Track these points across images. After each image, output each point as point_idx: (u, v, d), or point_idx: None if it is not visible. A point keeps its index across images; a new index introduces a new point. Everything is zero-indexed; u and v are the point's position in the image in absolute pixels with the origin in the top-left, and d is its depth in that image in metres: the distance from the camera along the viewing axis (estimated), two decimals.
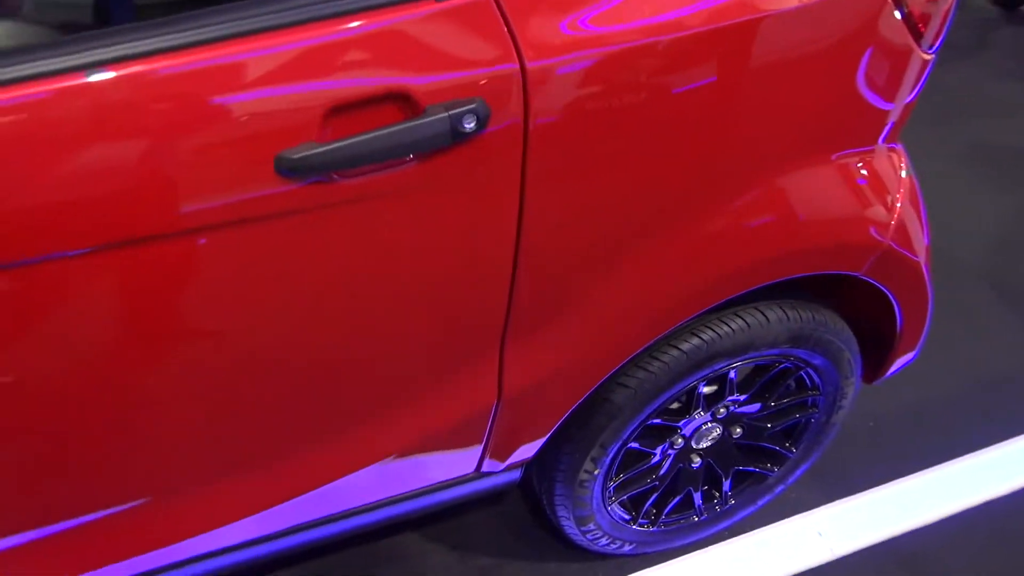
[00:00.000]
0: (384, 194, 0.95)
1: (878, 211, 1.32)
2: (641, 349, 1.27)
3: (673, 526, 1.66)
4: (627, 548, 1.66)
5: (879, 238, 1.32)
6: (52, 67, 0.79)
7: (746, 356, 1.40)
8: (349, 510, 1.33)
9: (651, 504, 1.61)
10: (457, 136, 0.92)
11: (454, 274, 1.06)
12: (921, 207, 1.44)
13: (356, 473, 1.23)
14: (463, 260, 1.05)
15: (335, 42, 0.87)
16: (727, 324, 1.35)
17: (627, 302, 1.20)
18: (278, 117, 0.86)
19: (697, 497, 1.65)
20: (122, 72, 0.80)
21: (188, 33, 0.82)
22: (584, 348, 1.23)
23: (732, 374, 1.46)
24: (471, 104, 0.91)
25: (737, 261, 1.23)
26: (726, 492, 1.67)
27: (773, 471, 1.68)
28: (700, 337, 1.34)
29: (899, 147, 1.42)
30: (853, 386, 1.59)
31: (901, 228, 1.35)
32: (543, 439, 1.35)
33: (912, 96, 1.30)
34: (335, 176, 0.91)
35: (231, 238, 0.90)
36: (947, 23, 1.30)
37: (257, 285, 0.96)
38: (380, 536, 1.69)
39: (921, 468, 1.91)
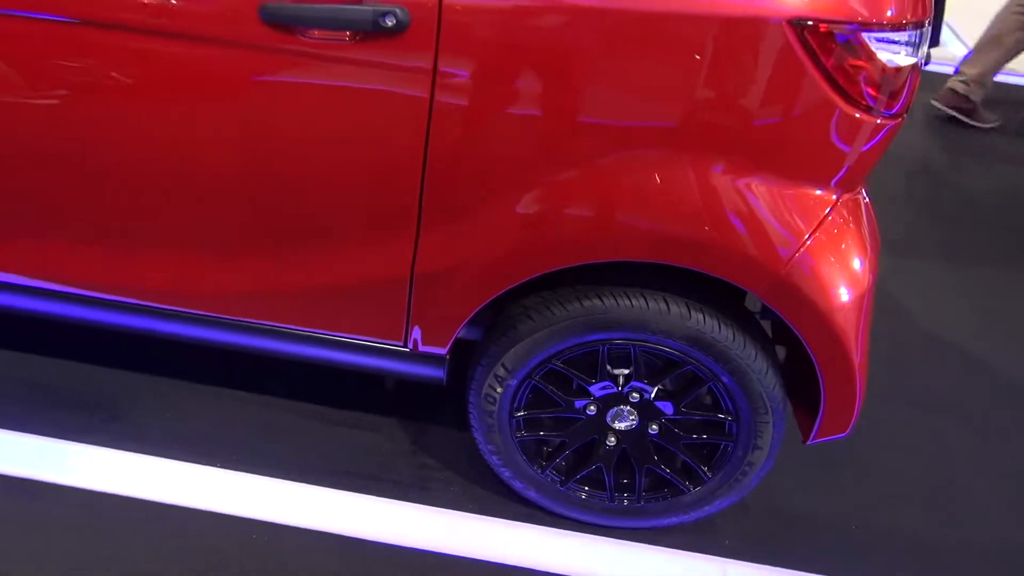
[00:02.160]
0: (327, 58, 1.37)
1: (783, 240, 1.45)
2: (535, 276, 1.53)
3: (579, 495, 1.83)
4: (531, 493, 1.85)
5: (768, 259, 1.44)
6: None
7: (642, 335, 1.58)
8: (285, 329, 1.73)
9: (561, 459, 1.80)
10: (378, 27, 1.31)
11: (375, 143, 1.44)
12: (869, 264, 1.52)
13: (292, 290, 1.63)
14: (384, 132, 1.43)
15: None
16: (629, 298, 1.56)
17: (521, 220, 1.48)
18: None
19: (608, 478, 1.81)
20: None
21: None
22: (484, 251, 1.52)
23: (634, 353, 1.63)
24: (394, 9, 1.30)
25: (615, 221, 1.45)
26: (639, 486, 1.80)
27: (688, 488, 1.78)
28: (601, 300, 1.56)
29: (858, 194, 1.53)
30: (770, 427, 1.66)
31: (805, 267, 1.46)
32: (455, 329, 1.64)
33: (868, 150, 1.43)
34: (296, 30, 1.34)
35: (221, 52, 1.38)
36: (904, 93, 1.42)
37: (223, 93, 1.43)
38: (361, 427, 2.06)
39: None
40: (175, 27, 1.39)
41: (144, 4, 1.38)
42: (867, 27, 1.34)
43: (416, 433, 2.04)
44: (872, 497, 2.04)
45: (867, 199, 1.65)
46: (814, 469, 2.09)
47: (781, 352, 1.76)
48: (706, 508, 1.82)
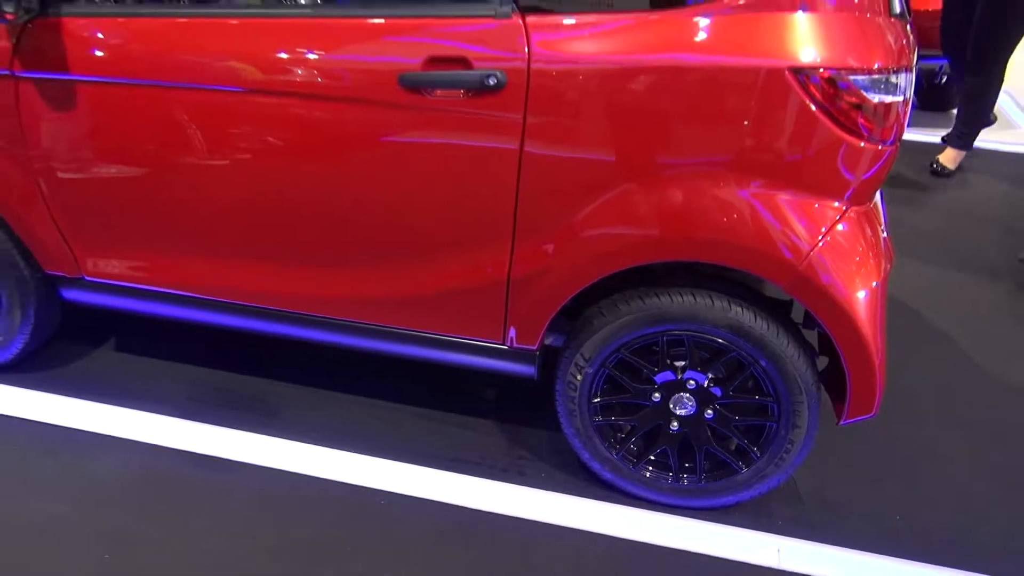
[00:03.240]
0: (447, 109, 1.86)
1: (800, 242, 1.82)
2: (607, 275, 1.94)
3: (648, 474, 2.17)
4: (608, 475, 2.20)
5: (790, 257, 1.82)
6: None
7: (693, 326, 1.96)
8: (408, 332, 2.17)
9: (632, 442, 2.16)
10: (484, 86, 1.80)
11: (477, 174, 1.91)
12: (876, 263, 1.88)
13: (413, 297, 2.09)
14: (483, 166, 1.90)
15: (432, 24, 1.83)
16: (681, 295, 1.95)
17: (587, 232, 1.91)
18: (406, 55, 1.84)
19: (673, 459, 2.15)
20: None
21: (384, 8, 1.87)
22: (565, 258, 1.95)
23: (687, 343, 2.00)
24: (496, 72, 1.80)
25: (656, 230, 1.86)
26: (699, 467, 2.14)
27: (741, 467, 2.11)
28: (658, 297, 1.96)
29: (868, 208, 1.89)
30: (805, 408, 1.98)
31: (822, 263, 1.82)
32: (543, 326, 2.06)
33: (870, 172, 1.81)
34: (425, 91, 1.85)
35: (367, 109, 1.90)
36: (897, 124, 1.80)
37: (365, 139, 1.94)
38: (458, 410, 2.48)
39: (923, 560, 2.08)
40: (334, 92, 1.92)
41: (312, 75, 1.92)
42: (858, 73, 1.74)
43: (512, 432, 2.44)
44: (921, 493, 2.29)
45: (882, 212, 2.02)
46: (862, 463, 2.37)
47: (822, 363, 2.10)
48: (759, 487, 2.13)
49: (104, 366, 2.63)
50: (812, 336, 2.09)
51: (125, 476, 2.22)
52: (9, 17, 1.97)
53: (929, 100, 5.67)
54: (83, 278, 2.33)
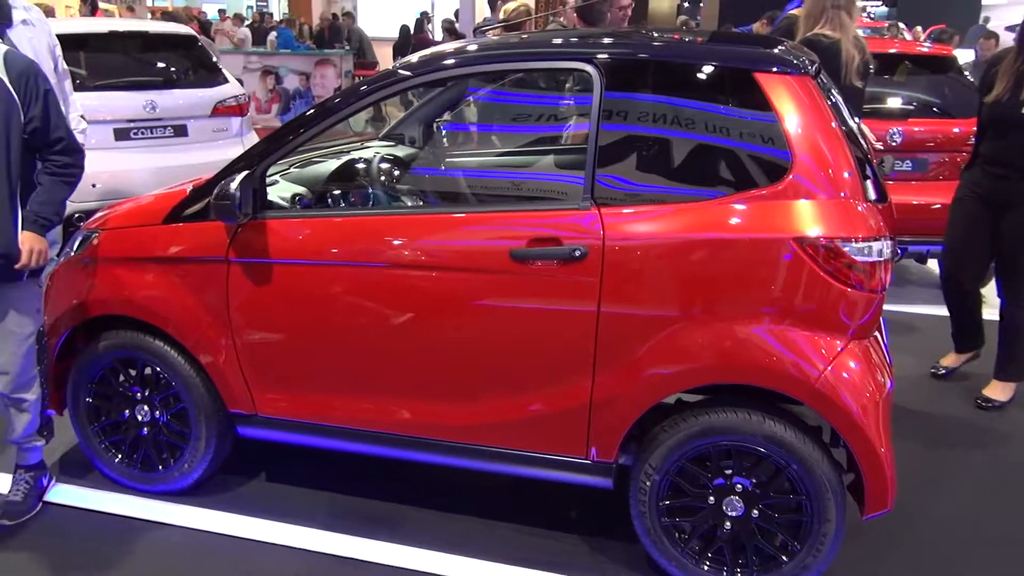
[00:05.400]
0: (545, 275, 2.55)
1: (813, 366, 2.41)
2: (661, 400, 2.53)
3: (708, 569, 2.64)
4: (674, 570, 2.67)
5: (804, 378, 2.40)
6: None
7: (736, 437, 2.51)
8: (508, 452, 2.74)
9: (693, 541, 2.64)
10: (572, 257, 2.50)
11: (567, 323, 2.57)
12: (877, 384, 2.44)
13: (513, 421, 2.69)
14: (571, 317, 2.56)
15: (535, 218, 2.57)
16: (725, 412, 2.53)
17: (650, 364, 2.52)
18: (515, 237, 2.57)
19: (727, 555, 2.62)
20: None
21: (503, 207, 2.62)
22: (632, 385, 2.55)
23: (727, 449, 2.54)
24: (580, 247, 2.50)
25: (703, 361, 2.47)
26: (750, 562, 2.60)
27: (784, 560, 2.57)
28: (708, 415, 2.54)
29: (870, 340, 2.48)
30: (832, 504, 2.48)
31: (832, 383, 2.39)
32: (619, 440, 2.62)
33: (866, 318, 2.42)
34: (530, 262, 2.55)
35: (483, 276, 2.60)
36: (880, 277, 2.43)
37: (481, 299, 2.62)
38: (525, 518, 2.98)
39: None
40: (464, 264, 2.63)
41: (449, 253, 2.65)
42: (847, 240, 2.40)
43: (594, 543, 2.93)
44: None
45: (884, 344, 2.61)
46: (880, 561, 2.79)
47: (848, 478, 2.59)
48: None
49: (259, 489, 3.23)
50: (840, 455, 2.60)
51: (284, 572, 2.76)
52: (236, 220, 2.76)
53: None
54: (257, 415, 2.99)
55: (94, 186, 5.44)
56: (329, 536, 2.94)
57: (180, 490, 3.13)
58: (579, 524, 3.04)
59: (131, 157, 5.78)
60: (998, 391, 4.04)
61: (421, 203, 3.30)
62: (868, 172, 2.64)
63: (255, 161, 2.81)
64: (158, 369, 3.01)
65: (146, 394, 3.07)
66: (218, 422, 3.03)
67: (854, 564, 2.80)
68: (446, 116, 4.04)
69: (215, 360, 2.93)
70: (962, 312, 4.22)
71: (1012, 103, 3.76)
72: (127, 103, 5.81)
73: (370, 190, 3.29)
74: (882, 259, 2.44)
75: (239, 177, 2.71)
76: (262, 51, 13.34)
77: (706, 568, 2.65)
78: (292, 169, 3.34)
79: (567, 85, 3.84)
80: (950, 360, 4.37)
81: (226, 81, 6.42)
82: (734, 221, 2.46)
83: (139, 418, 3.09)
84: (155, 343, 2.97)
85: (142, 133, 5.87)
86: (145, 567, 2.79)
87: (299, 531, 2.97)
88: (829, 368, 2.42)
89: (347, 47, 14.24)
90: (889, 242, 2.49)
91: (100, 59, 5.96)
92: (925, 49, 6.48)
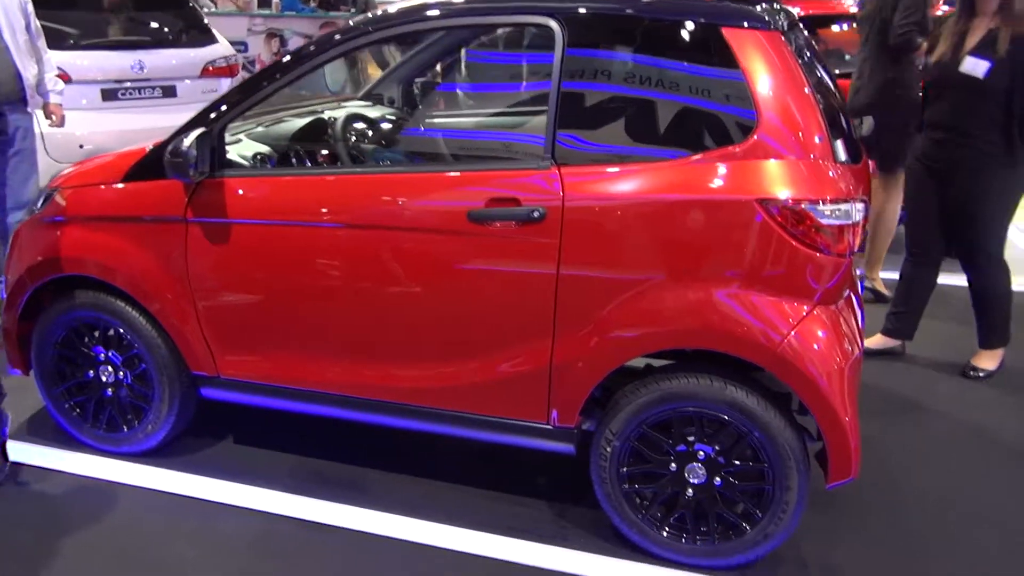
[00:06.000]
0: (503, 236, 2.49)
1: (776, 331, 2.34)
2: (623, 363, 2.47)
3: (670, 538, 2.59)
4: (635, 537, 2.63)
5: (766, 343, 2.33)
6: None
7: (696, 402, 2.45)
8: (455, 414, 2.70)
9: (655, 508, 2.60)
10: (530, 218, 2.44)
11: (526, 285, 2.51)
12: (839, 354, 2.37)
13: (470, 384, 2.64)
14: (531, 279, 2.50)
15: (494, 178, 2.50)
16: (687, 377, 2.47)
17: (609, 329, 2.46)
18: (474, 198, 2.50)
19: (690, 523, 2.58)
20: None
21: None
22: (591, 349, 2.50)
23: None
24: (539, 207, 2.43)
25: (662, 326, 2.41)
26: (712, 528, 2.56)
27: (747, 528, 2.52)
28: (669, 381, 2.48)
29: (839, 307, 2.41)
30: (795, 472, 2.42)
31: (795, 349, 2.32)
32: (579, 405, 2.57)
33: (832, 283, 2.35)
34: (488, 223, 2.49)
35: (439, 236, 2.54)
36: (848, 240, 2.35)
37: (437, 259, 2.56)
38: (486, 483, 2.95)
39: None
40: (420, 225, 2.57)
41: (405, 213, 2.58)
42: (814, 203, 2.31)
43: (556, 507, 2.90)
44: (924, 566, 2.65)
45: (858, 310, 2.54)
46: (875, 534, 2.74)
47: (818, 446, 2.53)
48: (764, 545, 2.53)
49: (225, 452, 3.21)
50: (811, 423, 2.53)
51: (244, 534, 2.75)
52: (190, 178, 2.71)
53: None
54: (219, 377, 2.96)
55: (81, 147, 5.41)
56: (292, 499, 2.92)
57: (145, 451, 3.11)
58: (546, 490, 3.00)
59: (119, 118, 5.73)
60: (985, 360, 3.95)
61: (383, 163, 3.23)
62: (841, 132, 2.55)
63: (214, 118, 2.75)
64: (121, 330, 2.98)
65: (109, 355, 3.04)
66: (181, 383, 3.00)
67: (822, 533, 2.75)
68: (420, 76, 3.95)
69: (176, 321, 2.90)
70: (908, 291, 4.05)
71: (952, 63, 3.63)
72: (115, 63, 5.76)
73: (332, 149, 3.22)
74: (851, 222, 2.36)
75: (194, 133, 2.65)
76: (267, 13, 13.17)
77: (666, 535, 2.61)
78: (258, 128, 3.28)
79: (528, 41, 3.75)
80: (874, 341, 4.13)
81: (216, 42, 6.34)
82: (697, 182, 2.38)
83: (103, 379, 3.06)
84: (116, 303, 2.93)
85: (130, 94, 5.82)
86: (105, 527, 2.77)
87: (263, 493, 2.95)
88: (793, 333, 2.35)
89: (352, 10, 14.07)
90: (860, 205, 2.41)
91: (87, 18, 5.89)
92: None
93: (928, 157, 3.82)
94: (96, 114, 5.61)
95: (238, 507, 2.88)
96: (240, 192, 2.75)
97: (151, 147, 2.90)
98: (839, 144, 2.45)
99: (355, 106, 3.71)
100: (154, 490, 2.97)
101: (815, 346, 2.36)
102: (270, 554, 2.66)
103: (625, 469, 2.60)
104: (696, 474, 2.54)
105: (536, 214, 2.44)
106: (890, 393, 3.77)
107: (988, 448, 3.35)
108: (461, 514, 2.85)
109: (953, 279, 4.32)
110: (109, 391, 3.08)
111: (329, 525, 2.79)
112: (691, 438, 2.52)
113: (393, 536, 2.74)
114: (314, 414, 2.94)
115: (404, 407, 2.79)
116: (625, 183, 2.43)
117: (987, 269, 3.80)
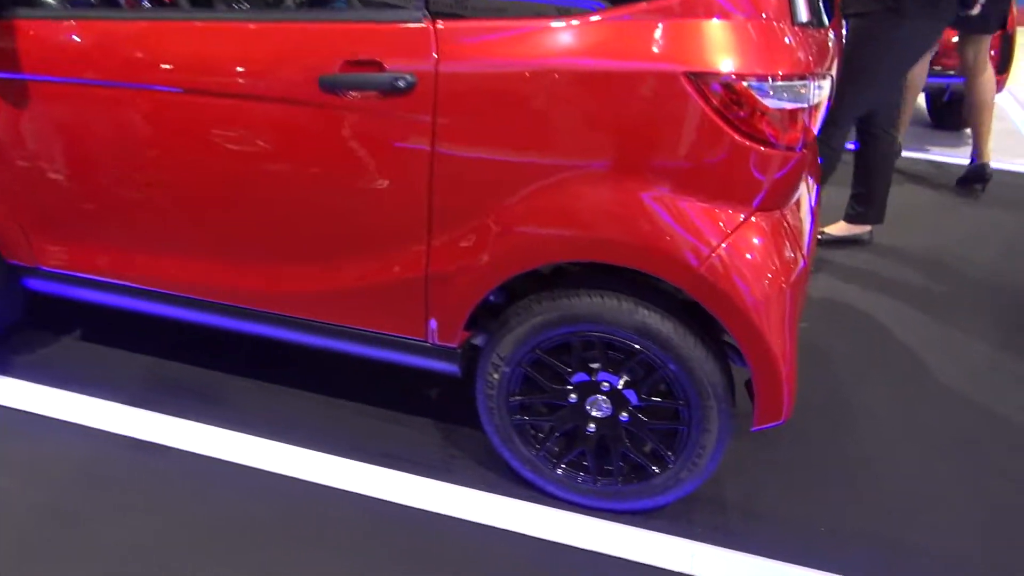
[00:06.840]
0: (361, 108, 1.93)
1: (700, 245, 1.84)
2: (517, 273, 1.98)
3: (568, 476, 2.19)
4: (528, 474, 2.23)
5: (688, 259, 1.84)
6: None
7: (600, 326, 1.98)
8: (326, 324, 2.23)
9: (551, 443, 2.18)
10: (395, 88, 1.87)
11: (392, 173, 1.97)
12: (786, 270, 1.89)
13: (336, 290, 2.15)
14: (398, 166, 1.96)
15: (353, 33, 1.91)
16: (589, 296, 1.98)
17: (493, 234, 1.95)
18: (326, 58, 1.92)
19: (591, 461, 2.17)
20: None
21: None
22: (473, 257, 2.00)
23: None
24: (406, 75, 1.86)
25: (567, 230, 1.90)
26: (616, 469, 2.15)
27: (656, 471, 2.12)
28: (568, 299, 1.99)
29: (783, 213, 1.90)
30: (715, 412, 1.99)
31: (723, 266, 1.84)
32: (461, 322, 2.10)
33: (777, 178, 1.82)
34: (342, 92, 1.92)
35: (289, 107, 1.98)
36: (803, 130, 1.81)
37: (286, 135, 2.01)
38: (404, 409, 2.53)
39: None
40: (260, 92, 2.00)
41: (240, 76, 2.01)
42: (762, 79, 1.76)
43: (447, 431, 2.48)
44: (852, 507, 2.28)
45: (808, 218, 2.03)
46: (800, 475, 2.36)
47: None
48: (675, 491, 2.13)
49: (65, 354, 2.75)
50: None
51: (70, 457, 2.31)
52: None
53: (939, 118, 5.60)
54: (39, 268, 2.45)
55: None
56: (131, 413, 2.47)
57: None
58: (438, 409, 2.58)
59: None
60: (840, 228, 3.91)
61: (215, 8, 2.59)
62: None
63: None
64: None
65: None
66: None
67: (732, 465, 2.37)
68: None
69: None
70: (865, 171, 3.81)
71: None
72: None
73: None
74: (807, 105, 1.82)
75: None
76: None
77: (561, 472, 2.21)
78: None
79: None
80: (837, 228, 3.96)
81: None
82: (610, 45, 1.81)
83: None
84: None
85: None
86: None
87: (98, 406, 2.50)
88: (721, 249, 1.85)
89: None
90: (822, 82, 1.87)
91: None
92: None
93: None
94: None
95: (67, 422, 2.44)
96: (37, 40, 2.13)
97: None
98: (800, 1, 1.88)
99: None
100: None
101: (748, 262, 1.87)
102: (97, 483, 2.23)
103: (516, 399, 2.17)
104: (599, 407, 2.11)
105: (402, 83, 1.88)
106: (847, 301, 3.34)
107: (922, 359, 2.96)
108: (331, 438, 2.42)
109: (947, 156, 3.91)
110: None
111: (165, 446, 2.36)
112: (595, 365, 2.07)
113: (238, 461, 2.31)
114: (156, 314, 2.45)
115: (264, 314, 2.31)
116: (519, 45, 1.85)
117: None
